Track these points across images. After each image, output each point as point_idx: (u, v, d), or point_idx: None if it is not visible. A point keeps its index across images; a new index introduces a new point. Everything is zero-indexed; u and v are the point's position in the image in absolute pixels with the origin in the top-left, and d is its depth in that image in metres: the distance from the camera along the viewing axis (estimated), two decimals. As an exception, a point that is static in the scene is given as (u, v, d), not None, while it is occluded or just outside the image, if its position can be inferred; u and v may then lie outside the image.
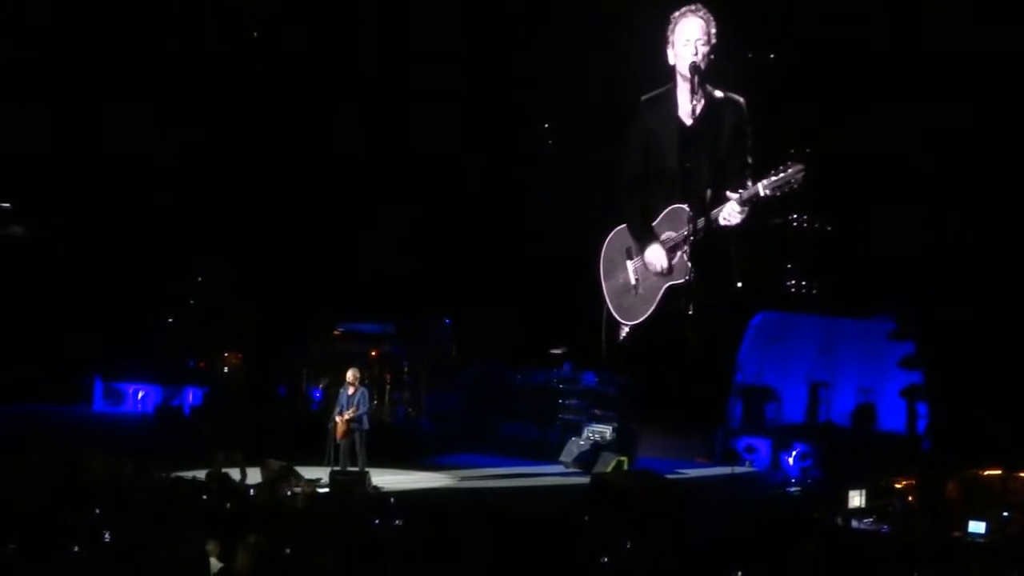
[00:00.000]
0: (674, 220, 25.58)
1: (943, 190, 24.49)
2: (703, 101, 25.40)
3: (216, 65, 30.26)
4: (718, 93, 25.24)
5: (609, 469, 23.22)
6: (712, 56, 25.16)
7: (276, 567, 12.39)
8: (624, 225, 26.85)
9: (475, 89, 30.00)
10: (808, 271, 26.56)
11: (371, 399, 22.46)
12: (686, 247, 24.66)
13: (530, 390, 28.43)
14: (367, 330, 30.15)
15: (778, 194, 23.54)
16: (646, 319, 26.19)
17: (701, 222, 24.14)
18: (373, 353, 29.24)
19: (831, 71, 25.05)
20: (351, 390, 21.24)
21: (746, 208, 24.12)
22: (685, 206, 24.80)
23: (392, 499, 18.44)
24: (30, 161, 30.66)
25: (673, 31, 25.52)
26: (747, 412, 26.65)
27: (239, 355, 32.18)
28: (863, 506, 18.04)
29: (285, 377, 30.29)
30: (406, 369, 29.55)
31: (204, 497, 16.08)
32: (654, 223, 26.00)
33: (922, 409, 24.93)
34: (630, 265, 26.42)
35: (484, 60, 29.76)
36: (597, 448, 24.74)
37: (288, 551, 12.77)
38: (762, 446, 25.48)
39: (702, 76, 25.08)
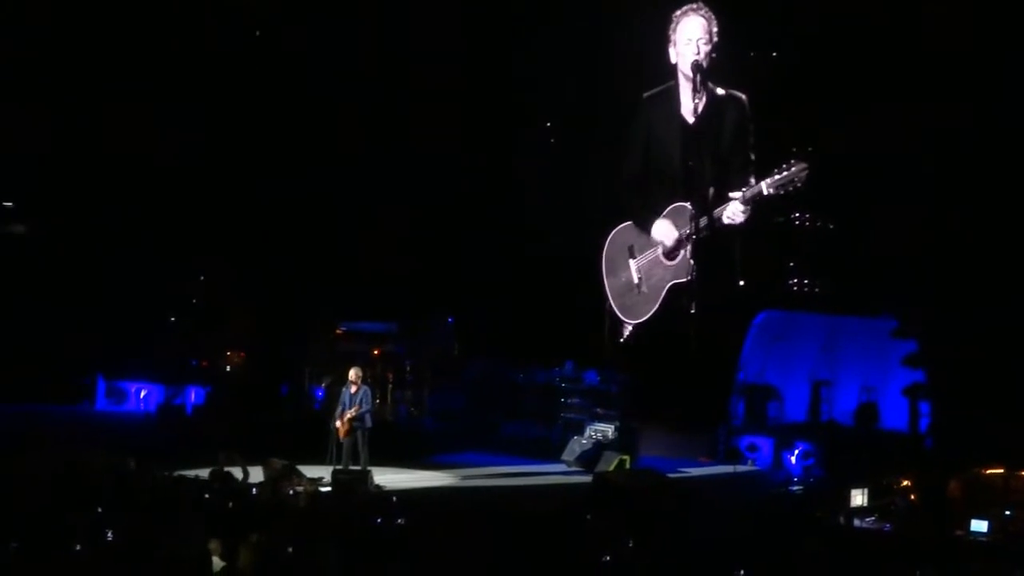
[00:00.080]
0: (676, 218, 25.55)
1: (945, 189, 24.47)
2: (705, 99, 25.38)
3: (217, 65, 30.23)
4: (720, 91, 25.22)
5: (611, 468, 23.23)
6: (714, 55, 25.14)
7: (278, 566, 12.40)
8: (626, 224, 26.83)
9: (475, 89, 29.96)
10: (811, 269, 26.55)
11: (373, 398, 22.44)
12: (689, 245, 24.64)
13: (532, 389, 28.42)
14: (369, 329, 30.18)
15: (781, 193, 23.49)
16: (650, 318, 26.16)
17: (704, 220, 24.13)
18: (375, 352, 29.27)
19: (833, 70, 25.02)
20: (353, 389, 21.24)
21: (749, 207, 24.09)
22: (687, 204, 24.78)
23: (394, 498, 18.44)
24: (32, 160, 30.66)
25: (675, 30, 25.49)
26: (749, 411, 26.64)
27: (241, 354, 32.22)
28: (865, 505, 18.02)
29: (287, 376, 30.30)
30: (408, 368, 29.57)
31: (206, 496, 16.08)
32: (656, 220, 25.98)
33: (924, 408, 24.92)
34: (632, 264, 26.40)
35: (484, 59, 29.73)
36: (599, 447, 24.74)
37: (290, 550, 12.78)
38: (764, 445, 25.47)
39: (704, 75, 25.06)
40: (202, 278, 32.92)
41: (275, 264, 31.47)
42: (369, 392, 21.69)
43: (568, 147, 29.02)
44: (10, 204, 32.35)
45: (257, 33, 30.96)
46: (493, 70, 29.73)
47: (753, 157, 24.79)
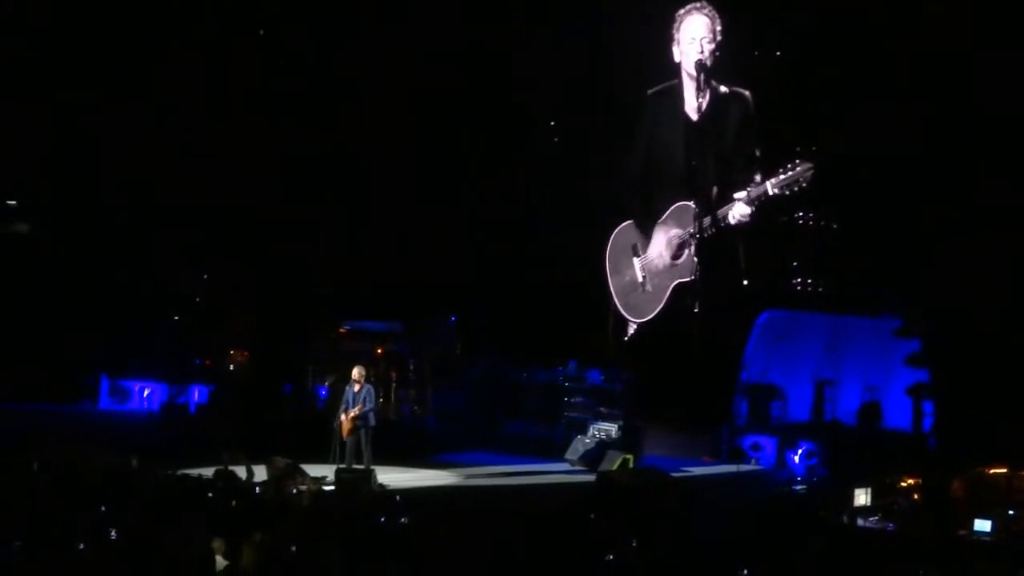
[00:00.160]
0: (680, 217, 25.50)
1: (947, 187, 24.45)
2: (708, 97, 25.34)
3: (218, 62, 30.23)
4: (723, 88, 25.17)
5: (615, 467, 23.23)
6: (717, 53, 25.10)
7: (282, 565, 12.39)
8: (628, 222, 26.79)
9: (477, 88, 29.95)
10: (814, 269, 26.54)
11: (377, 397, 22.45)
12: (693, 245, 24.60)
13: (536, 388, 28.39)
14: (372, 328, 30.19)
15: (787, 193, 23.39)
16: (654, 317, 26.12)
17: (708, 220, 24.10)
18: (378, 351, 29.26)
19: (836, 69, 25.02)
20: (357, 387, 21.24)
21: (754, 207, 24.04)
22: (691, 203, 24.75)
23: (398, 497, 18.46)
24: (35, 159, 30.68)
25: (678, 29, 25.41)
26: (753, 410, 26.65)
27: (245, 353, 32.21)
28: (869, 504, 18.01)
29: (291, 375, 30.31)
30: (411, 367, 29.56)
31: (210, 495, 16.09)
32: (660, 220, 25.95)
33: (928, 407, 24.92)
34: (636, 262, 26.33)
35: (485, 59, 29.72)
36: (603, 446, 24.74)
37: (294, 549, 12.78)
38: (768, 444, 25.47)
39: (708, 73, 25.03)
40: (205, 277, 32.91)
41: (278, 263, 31.47)
42: (372, 391, 21.67)
43: (570, 146, 29.00)
44: (13, 203, 32.36)
45: (260, 32, 30.96)
46: (494, 69, 29.72)
47: (758, 154, 24.73)
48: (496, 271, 29.94)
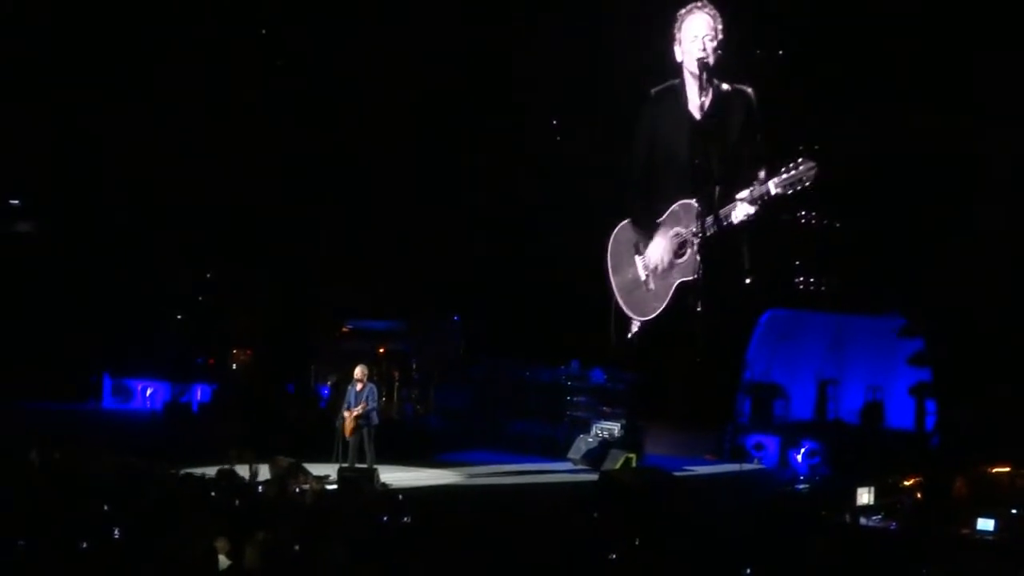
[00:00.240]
0: (683, 215, 25.52)
1: (951, 186, 24.45)
2: (711, 95, 25.35)
3: (220, 63, 30.24)
4: (725, 86, 25.20)
5: (617, 466, 23.22)
6: (720, 51, 25.12)
7: (285, 564, 12.40)
8: (629, 220, 26.82)
9: (478, 87, 29.96)
10: (817, 268, 26.53)
11: (379, 396, 22.45)
12: (695, 243, 24.59)
13: (538, 387, 28.37)
14: (375, 327, 30.20)
15: (789, 192, 23.42)
16: (658, 315, 26.14)
17: (710, 219, 24.10)
18: (381, 350, 29.27)
19: (838, 68, 25.00)
20: (359, 387, 21.23)
21: (757, 205, 24.03)
22: (693, 201, 24.76)
23: (400, 496, 18.46)
24: (38, 158, 30.70)
25: (680, 28, 25.46)
26: (756, 409, 26.63)
27: (248, 352, 32.23)
28: (871, 503, 18.01)
29: (294, 374, 30.32)
30: (414, 366, 29.58)
31: (212, 494, 16.09)
32: (662, 218, 25.97)
33: (931, 406, 24.90)
34: (639, 260, 26.38)
35: (486, 58, 29.73)
36: (605, 445, 24.74)
37: (297, 548, 12.79)
38: (770, 443, 25.46)
39: (710, 72, 25.04)
40: (208, 276, 32.92)
41: (281, 262, 31.49)
42: (375, 390, 21.67)
43: (570, 146, 29.01)
44: (16, 202, 32.38)
45: (263, 31, 30.98)
46: (494, 69, 29.73)
47: (762, 151, 24.71)
48: (498, 271, 29.95)
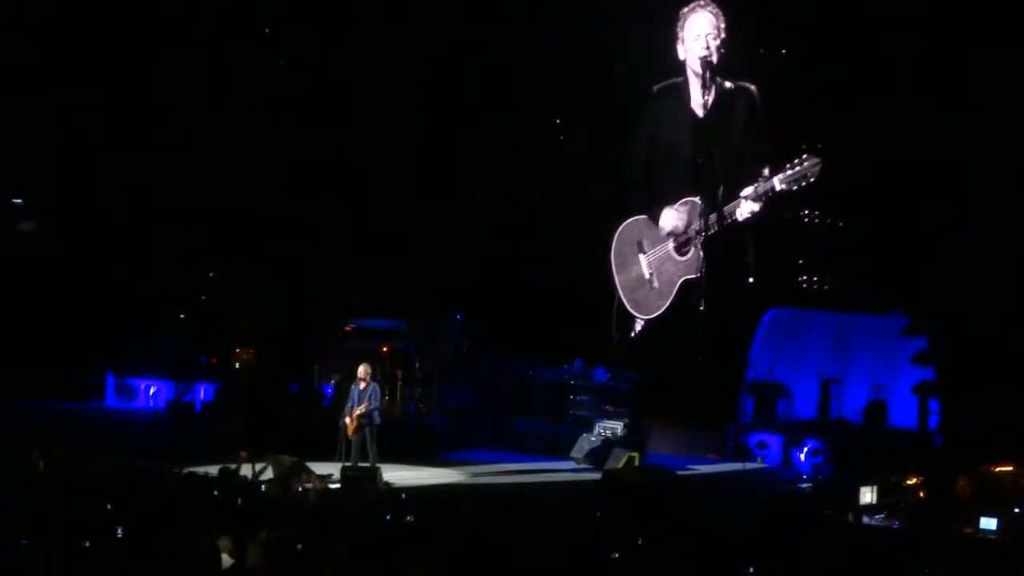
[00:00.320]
0: (687, 214, 25.49)
1: (952, 186, 24.43)
2: (714, 94, 25.32)
3: (220, 63, 30.24)
4: (728, 84, 25.16)
5: (620, 465, 23.23)
6: (723, 50, 25.09)
7: (287, 563, 12.40)
8: (634, 218, 26.80)
9: (480, 85, 29.96)
10: (820, 267, 26.52)
11: (382, 395, 22.44)
12: (699, 241, 24.56)
13: (542, 386, 28.38)
14: (378, 326, 30.19)
15: (794, 188, 23.35)
16: (662, 313, 26.11)
17: (714, 217, 24.07)
18: (384, 349, 29.26)
19: (841, 67, 24.99)
20: (363, 385, 21.23)
21: (761, 202, 23.98)
22: (698, 199, 24.73)
23: (403, 495, 18.44)
24: (36, 159, 30.71)
25: (683, 27, 25.43)
26: (759, 408, 26.64)
27: (251, 351, 32.23)
28: (874, 502, 18.03)
29: (297, 373, 30.32)
30: (417, 365, 29.57)
31: (215, 493, 16.09)
32: (665, 216, 25.95)
33: (934, 405, 24.90)
34: (643, 259, 26.36)
35: (486, 58, 29.73)
36: (608, 444, 24.74)
37: (299, 547, 12.78)
38: (773, 442, 25.47)
39: (713, 70, 25.01)
40: (211, 275, 32.92)
41: (283, 262, 31.49)
42: (378, 389, 21.66)
43: (573, 144, 29.01)
44: (19, 201, 32.39)
45: (266, 31, 30.99)
46: (494, 69, 29.73)
47: (765, 149, 24.68)
48: (501, 270, 29.95)
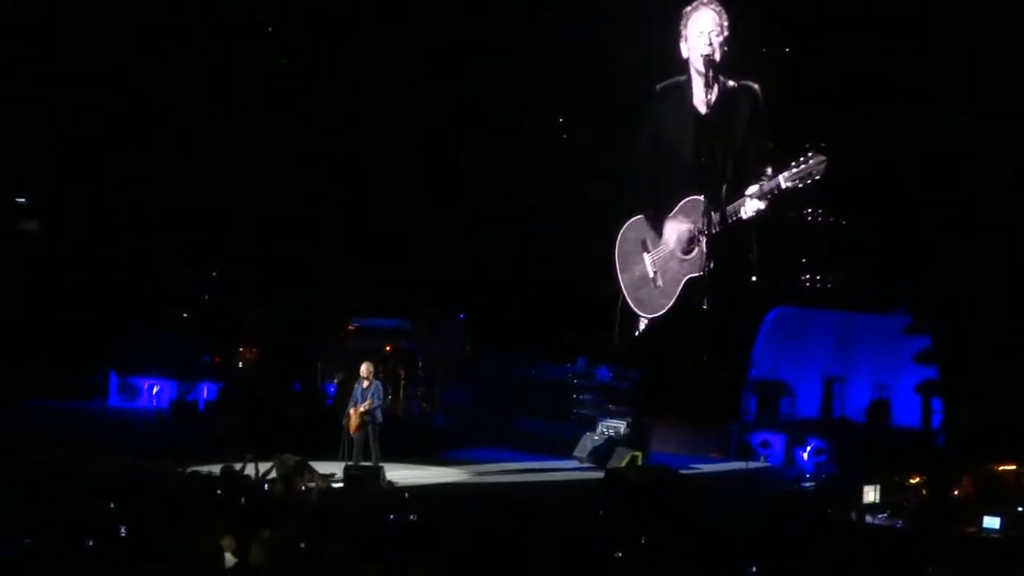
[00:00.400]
0: (690, 212, 25.52)
1: (955, 185, 24.41)
2: (717, 92, 25.32)
3: (220, 63, 30.25)
4: (731, 82, 25.18)
5: (623, 464, 23.23)
6: (726, 48, 25.10)
7: (291, 562, 12.41)
8: (637, 217, 26.82)
9: (483, 83, 29.96)
10: (824, 265, 26.51)
11: (385, 394, 22.45)
12: (704, 239, 24.55)
13: (545, 385, 28.39)
14: (381, 325, 30.19)
15: (800, 186, 23.33)
16: (666, 312, 26.13)
17: (718, 215, 24.07)
18: (387, 348, 29.26)
19: (844, 65, 24.98)
20: (365, 384, 21.27)
21: (767, 200, 23.96)
22: (701, 198, 24.73)
23: (406, 494, 18.45)
24: (39, 158, 30.72)
25: (686, 25, 25.47)
26: (762, 407, 26.62)
27: (253, 350, 32.24)
28: (877, 501, 18.02)
29: (300, 372, 30.33)
30: (420, 364, 29.57)
31: (219, 492, 16.11)
32: (670, 214, 25.97)
33: (937, 404, 24.87)
34: (647, 257, 26.40)
35: (486, 58, 29.74)
36: (611, 443, 24.73)
37: (302, 546, 12.79)
38: (776, 441, 25.45)
39: (716, 68, 25.01)
40: (214, 274, 32.93)
41: (286, 261, 31.50)
42: (380, 387, 21.69)
43: (574, 143, 29.01)
44: (23, 200, 32.41)
45: (269, 29, 31.01)
46: (496, 68, 29.73)
47: (769, 146, 24.68)
48: (503, 269, 29.95)
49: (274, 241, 31.48)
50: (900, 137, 24.61)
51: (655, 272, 26.28)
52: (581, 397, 27.37)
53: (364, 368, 21.46)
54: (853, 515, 17.64)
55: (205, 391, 30.70)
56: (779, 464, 25.00)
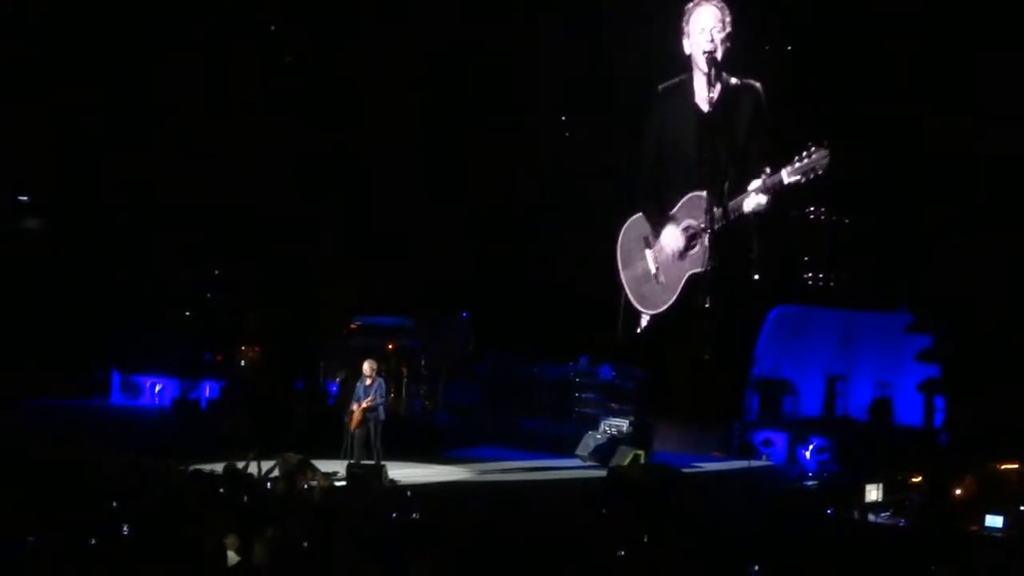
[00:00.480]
0: (692, 208, 25.51)
1: (955, 184, 24.40)
2: (719, 89, 25.31)
3: (220, 63, 30.25)
4: (734, 80, 25.16)
5: (626, 463, 23.22)
6: (728, 44, 25.09)
7: (293, 560, 12.42)
8: (639, 215, 26.82)
9: (484, 81, 29.97)
10: (826, 264, 26.51)
11: (388, 392, 22.46)
12: (706, 235, 24.54)
13: (547, 384, 28.39)
14: (384, 323, 30.20)
15: (803, 181, 23.28)
16: (668, 308, 26.13)
17: (720, 211, 24.05)
18: (390, 346, 29.27)
19: (846, 64, 24.97)
20: (368, 382, 21.28)
21: (769, 195, 23.94)
22: (704, 193, 24.71)
23: (409, 492, 18.47)
24: (40, 158, 30.73)
25: (688, 21, 25.46)
26: (764, 406, 26.63)
27: (256, 348, 32.25)
28: (880, 500, 18.02)
29: (302, 370, 30.34)
30: (423, 362, 29.57)
31: (221, 491, 16.12)
32: (672, 211, 25.96)
33: (939, 403, 24.88)
34: (649, 254, 26.39)
35: (487, 58, 29.75)
36: (614, 442, 24.73)
37: (305, 544, 12.80)
38: (779, 440, 25.46)
39: (718, 65, 25.00)
40: (216, 273, 32.95)
41: (289, 260, 31.51)
42: (383, 385, 21.68)
43: (578, 142, 29.02)
44: (25, 199, 32.43)
45: (272, 28, 31.02)
46: (497, 67, 29.74)
47: (770, 145, 24.67)
48: (505, 268, 29.96)
49: (276, 240, 31.47)
50: (900, 137, 24.59)
51: (657, 269, 26.27)
52: (583, 396, 27.38)
53: (367, 366, 21.47)
54: (855, 514, 17.64)
55: (208, 389, 30.71)
56: (781, 463, 25.01)
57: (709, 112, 25.55)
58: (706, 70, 25.35)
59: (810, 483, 21.88)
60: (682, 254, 25.78)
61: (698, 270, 25.04)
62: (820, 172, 23.07)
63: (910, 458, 21.16)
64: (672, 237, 25.99)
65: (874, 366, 26.20)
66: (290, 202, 30.93)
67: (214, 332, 32.42)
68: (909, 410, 25.33)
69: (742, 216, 24.36)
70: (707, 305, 24.21)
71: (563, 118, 29.60)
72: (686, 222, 25.67)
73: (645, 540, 14.15)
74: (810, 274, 26.79)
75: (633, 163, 27.15)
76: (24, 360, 29.07)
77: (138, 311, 31.23)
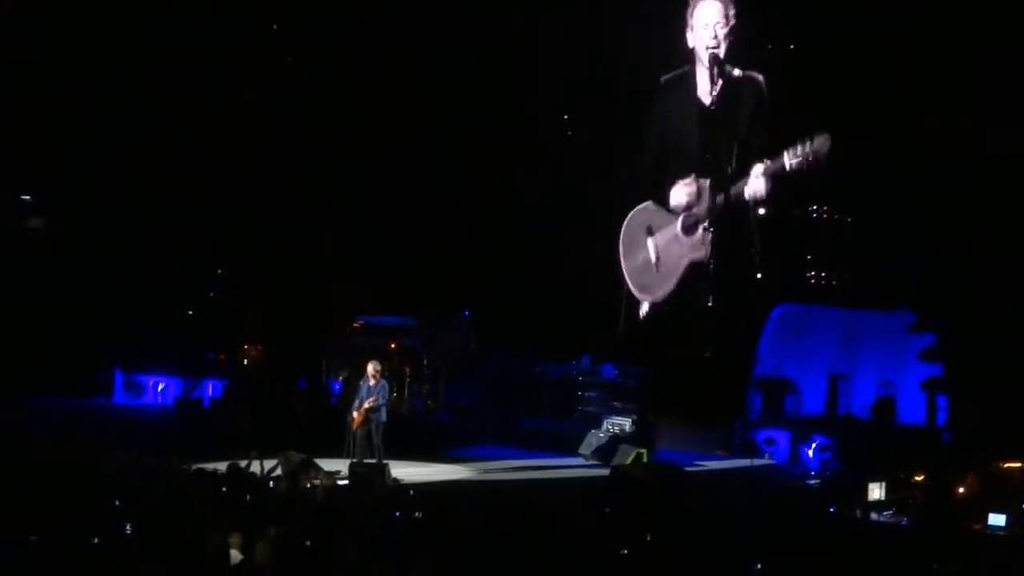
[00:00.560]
0: (695, 195, 25.42)
1: (957, 183, 24.40)
2: (722, 83, 25.26)
3: (220, 63, 30.25)
4: (736, 72, 25.12)
5: (628, 461, 23.22)
6: (731, 38, 25.06)
7: (296, 559, 12.41)
8: (643, 205, 26.74)
9: (485, 80, 29.97)
10: (829, 263, 26.50)
11: (390, 392, 22.49)
12: (707, 222, 24.45)
13: (550, 383, 28.42)
14: (386, 323, 30.21)
15: (804, 167, 23.22)
16: (668, 295, 26.05)
17: (721, 197, 23.99)
18: (392, 346, 29.29)
19: (846, 64, 24.96)
20: (372, 382, 21.30)
21: (771, 181, 23.86)
22: (707, 181, 24.65)
23: (412, 491, 18.46)
24: (42, 158, 30.74)
25: (692, 14, 25.41)
26: (767, 404, 26.64)
27: (259, 347, 32.27)
28: (883, 499, 18.01)
29: (305, 370, 30.35)
30: (425, 362, 29.60)
31: (224, 489, 16.11)
32: (673, 200, 25.89)
33: (942, 402, 24.89)
34: (651, 242, 26.29)
35: (487, 57, 29.75)
36: (616, 440, 24.75)
37: (308, 543, 12.79)
38: (781, 438, 25.46)
39: (721, 60, 24.96)
40: (219, 272, 32.96)
41: (291, 259, 31.51)
42: (387, 386, 21.73)
43: (579, 141, 29.01)
44: (28, 198, 32.44)
45: (274, 27, 31.02)
46: (497, 67, 29.74)
47: (771, 139, 24.62)
48: (507, 267, 29.95)
49: (277, 240, 31.47)
50: (900, 137, 24.58)
51: (657, 256, 26.14)
52: (586, 394, 27.41)
53: (371, 367, 21.50)
54: (858, 512, 17.64)
55: (210, 388, 30.75)
56: (784, 461, 25.01)
57: (711, 105, 25.49)
58: (709, 65, 25.31)
59: (812, 482, 21.91)
60: (683, 240, 25.66)
61: (698, 257, 24.91)
62: (822, 159, 23.00)
63: (913, 457, 21.18)
64: (673, 224, 25.91)
65: (876, 365, 26.22)
66: (290, 202, 30.92)
67: (216, 331, 32.45)
68: (912, 409, 25.35)
69: (743, 200, 24.26)
70: (709, 304, 24.17)
71: (564, 117, 29.59)
72: (690, 202, 25.53)
73: (648, 539, 14.13)
74: (813, 273, 26.79)
75: (634, 159, 27.10)
76: (26, 359, 29.07)
77: (140, 310, 31.23)
